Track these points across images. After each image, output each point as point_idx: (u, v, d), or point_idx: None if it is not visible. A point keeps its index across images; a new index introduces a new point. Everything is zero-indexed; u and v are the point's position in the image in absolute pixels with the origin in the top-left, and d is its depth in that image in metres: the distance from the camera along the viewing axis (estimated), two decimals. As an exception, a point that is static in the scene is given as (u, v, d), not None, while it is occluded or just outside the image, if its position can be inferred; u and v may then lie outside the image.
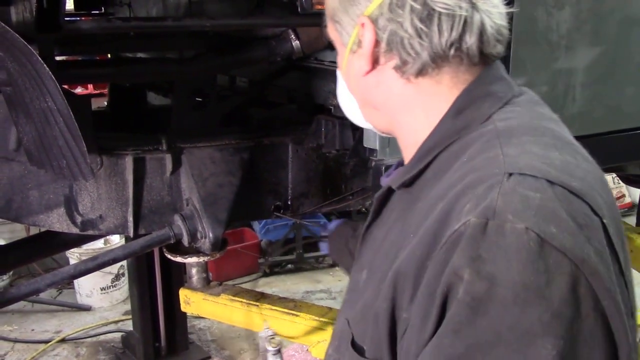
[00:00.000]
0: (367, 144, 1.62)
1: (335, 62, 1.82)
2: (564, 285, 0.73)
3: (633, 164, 2.66)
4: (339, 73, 1.11)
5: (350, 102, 1.11)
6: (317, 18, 1.64)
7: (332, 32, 1.03)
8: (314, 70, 1.92)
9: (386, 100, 0.98)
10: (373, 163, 1.61)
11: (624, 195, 5.84)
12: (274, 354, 1.22)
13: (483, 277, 0.74)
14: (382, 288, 0.89)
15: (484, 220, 0.75)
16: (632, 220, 3.32)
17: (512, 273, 0.73)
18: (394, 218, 1.00)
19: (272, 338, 1.22)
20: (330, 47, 1.82)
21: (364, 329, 0.94)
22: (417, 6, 0.88)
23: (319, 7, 1.52)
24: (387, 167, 1.56)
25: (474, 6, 0.89)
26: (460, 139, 0.91)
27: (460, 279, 0.75)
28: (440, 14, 0.88)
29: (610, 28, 1.83)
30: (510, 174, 0.79)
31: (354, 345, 0.96)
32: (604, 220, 0.80)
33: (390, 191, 1.02)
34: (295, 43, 1.82)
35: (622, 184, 5.59)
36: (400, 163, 1.08)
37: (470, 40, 0.90)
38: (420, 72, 0.92)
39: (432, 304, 0.78)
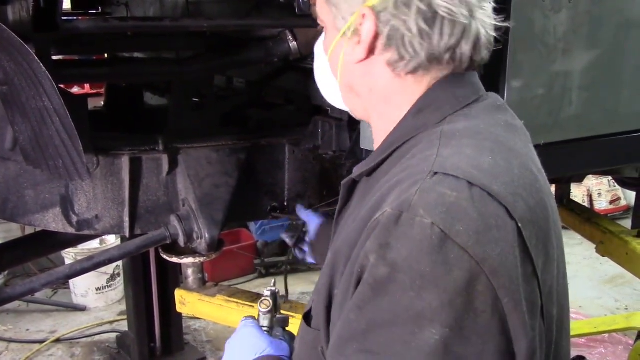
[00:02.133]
0: (363, 145, 1.62)
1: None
2: (461, 279, 0.78)
3: (629, 167, 2.67)
4: (319, 51, 1.15)
5: (329, 82, 1.13)
6: (315, 19, 1.65)
7: (323, 12, 1.03)
8: (312, 71, 1.91)
9: (370, 89, 1.01)
10: (370, 164, 1.60)
11: (619, 198, 5.85)
12: (264, 314, 1.26)
13: (387, 263, 0.81)
14: (326, 271, 0.98)
15: (399, 212, 0.82)
16: (627, 223, 3.33)
17: (412, 261, 0.79)
18: (353, 206, 1.07)
19: (265, 300, 1.26)
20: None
21: (317, 307, 1.01)
22: (423, 7, 0.91)
23: (317, 8, 1.52)
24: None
25: (472, 15, 0.93)
26: (415, 137, 0.96)
27: (368, 262, 0.83)
28: (443, 18, 0.91)
29: (607, 31, 1.83)
30: (435, 173, 0.85)
31: (307, 317, 1.04)
32: (519, 224, 0.84)
33: (355, 180, 1.08)
34: (293, 44, 1.82)
35: (617, 186, 5.61)
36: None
37: (466, 47, 0.94)
38: (413, 71, 0.96)
39: (350, 281, 0.87)
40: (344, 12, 0.98)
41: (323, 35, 1.09)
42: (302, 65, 1.94)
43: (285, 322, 1.28)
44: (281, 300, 1.36)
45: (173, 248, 1.82)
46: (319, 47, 1.16)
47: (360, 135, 1.63)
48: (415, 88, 0.97)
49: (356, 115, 1.11)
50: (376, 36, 0.95)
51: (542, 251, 0.89)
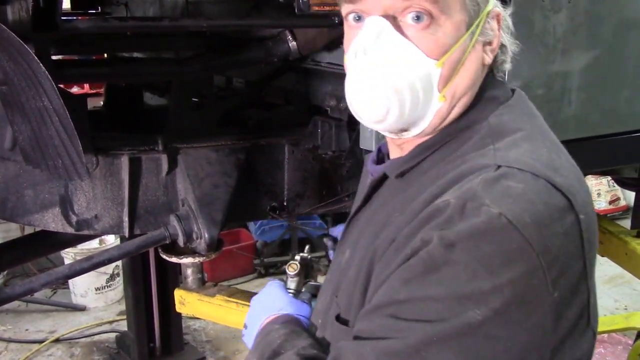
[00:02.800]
0: (363, 145, 1.62)
1: (332, 64, 1.83)
2: (519, 271, 0.79)
3: (628, 167, 2.67)
4: (399, 55, 0.92)
5: (418, 94, 0.93)
6: (314, 19, 1.65)
7: (451, 6, 0.90)
8: (311, 71, 1.92)
9: (467, 94, 0.97)
10: (369, 164, 1.60)
11: (619, 199, 5.85)
12: (291, 277, 1.32)
13: (443, 243, 0.81)
14: (364, 265, 0.97)
15: (463, 202, 0.82)
16: (627, 223, 3.33)
17: (470, 246, 0.80)
18: (380, 203, 1.06)
19: (292, 263, 1.32)
20: (327, 48, 1.83)
21: (349, 303, 1.00)
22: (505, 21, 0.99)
23: (316, 8, 1.52)
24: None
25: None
26: (458, 138, 0.96)
27: (425, 244, 0.83)
28: (508, 28, 1.01)
29: (606, 31, 1.84)
30: (499, 166, 0.86)
31: (339, 318, 1.03)
32: (580, 217, 0.85)
33: (382, 179, 1.06)
34: (292, 44, 1.82)
35: (617, 187, 5.61)
36: (383, 151, 1.13)
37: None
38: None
39: (394, 259, 0.88)
40: (475, 10, 0.93)
41: (397, 37, 0.91)
42: (302, 65, 1.94)
43: (316, 289, 1.30)
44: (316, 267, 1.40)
45: (172, 248, 1.82)
46: (401, 50, 0.92)
47: (360, 135, 1.63)
48: None
49: (415, 131, 0.97)
50: (500, 39, 0.99)
51: (594, 244, 0.90)
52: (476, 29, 0.93)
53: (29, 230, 3.62)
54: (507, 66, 1.03)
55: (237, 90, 2.33)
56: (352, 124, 1.77)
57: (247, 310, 1.82)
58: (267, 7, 1.87)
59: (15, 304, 4.28)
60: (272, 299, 1.24)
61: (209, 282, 2.00)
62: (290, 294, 1.27)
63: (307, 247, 1.42)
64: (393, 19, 0.91)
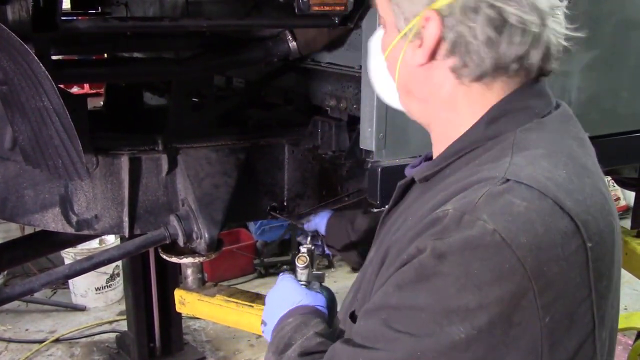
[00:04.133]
0: (363, 145, 1.62)
1: (332, 64, 1.83)
2: (508, 291, 0.78)
3: (628, 167, 2.67)
4: (374, 48, 1.11)
5: (384, 81, 1.09)
6: (314, 19, 1.65)
7: (384, 9, 0.99)
8: (311, 71, 1.92)
9: (431, 94, 0.97)
10: (369, 164, 1.61)
11: (619, 199, 5.85)
12: (301, 269, 1.35)
13: (436, 254, 0.81)
14: (377, 264, 0.99)
15: (461, 213, 0.81)
16: (627, 223, 3.33)
17: (462, 260, 0.79)
18: (405, 206, 1.07)
19: (302, 256, 1.36)
20: (327, 48, 1.83)
21: (365, 301, 1.00)
22: (493, 14, 0.87)
23: (316, 8, 1.52)
24: (384, 169, 1.57)
25: (544, 23, 0.89)
26: (485, 146, 0.93)
27: (419, 252, 0.83)
28: (512, 26, 0.87)
29: (606, 32, 1.84)
30: (507, 180, 0.83)
31: (352, 316, 1.04)
32: (588, 245, 0.82)
33: (412, 182, 1.07)
34: (292, 44, 1.81)
35: (617, 187, 5.61)
36: (428, 157, 1.11)
37: (535, 57, 0.91)
38: (477, 78, 0.92)
39: (394, 262, 0.89)
40: (407, 13, 0.94)
41: (380, 31, 1.06)
42: (302, 65, 1.94)
43: (321, 277, 1.37)
44: (318, 257, 1.42)
45: (172, 248, 1.82)
46: (374, 44, 1.11)
47: (360, 135, 1.63)
48: (484, 96, 0.94)
49: (413, 117, 1.07)
50: (439, 41, 0.91)
51: (605, 274, 0.86)
52: (410, 31, 0.94)
53: (29, 230, 3.62)
54: (474, 70, 0.92)
55: (237, 90, 2.33)
56: (352, 124, 1.77)
57: (247, 310, 1.83)
58: (267, 7, 1.87)
59: (15, 304, 4.28)
60: (288, 293, 1.26)
61: (209, 282, 2.00)
62: (303, 286, 1.30)
63: (308, 238, 1.44)
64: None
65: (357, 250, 1.73)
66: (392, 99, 1.10)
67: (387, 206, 1.16)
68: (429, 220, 0.85)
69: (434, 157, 1.03)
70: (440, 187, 0.94)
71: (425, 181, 1.01)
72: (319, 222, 1.86)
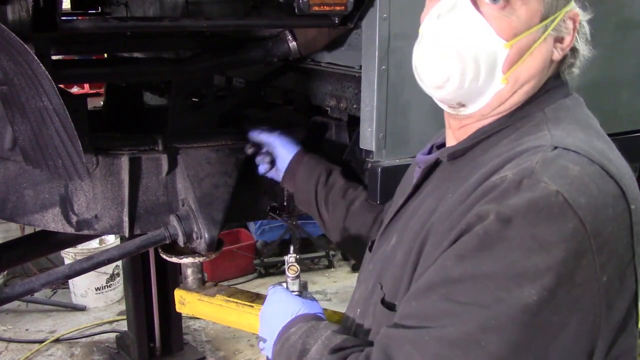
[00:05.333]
0: (363, 145, 1.62)
1: (332, 64, 1.83)
2: (572, 250, 0.80)
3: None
4: (473, 25, 0.95)
5: (473, 61, 0.96)
6: (314, 19, 1.65)
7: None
8: (311, 71, 1.92)
9: (529, 84, 1.00)
10: (369, 164, 1.61)
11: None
12: (292, 280, 1.30)
13: (500, 219, 0.81)
14: (415, 246, 0.97)
15: (520, 178, 0.83)
16: None
17: (527, 223, 0.80)
18: (430, 189, 1.07)
19: (292, 265, 1.31)
20: (327, 48, 1.83)
21: (396, 287, 1.01)
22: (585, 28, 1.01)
23: (316, 8, 1.52)
24: (384, 169, 1.57)
25: None
26: (512, 126, 0.98)
27: (481, 219, 0.83)
28: (585, 35, 1.02)
29: (606, 32, 1.83)
30: (556, 147, 0.87)
31: (384, 302, 1.03)
32: (632, 207, 0.86)
33: (433, 167, 1.08)
34: (292, 44, 1.82)
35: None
36: (437, 145, 1.14)
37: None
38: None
39: (447, 237, 0.88)
40: (553, 7, 0.97)
41: (475, 16, 0.95)
42: (302, 65, 1.94)
43: (305, 285, 1.32)
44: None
45: (172, 248, 1.81)
46: (466, 28, 0.96)
47: (360, 135, 1.63)
48: None
49: (472, 108, 1.00)
50: (573, 40, 0.99)
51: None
52: (551, 23, 0.96)
53: (29, 230, 3.62)
54: (576, 70, 1.04)
55: (237, 90, 2.33)
56: (352, 124, 1.77)
57: (247, 310, 1.83)
58: (267, 7, 1.87)
59: (15, 304, 4.29)
60: (284, 305, 1.21)
61: (209, 282, 2.00)
62: (297, 296, 1.26)
63: (291, 247, 1.40)
64: None
65: (318, 209, 1.65)
66: (481, 89, 0.98)
67: (404, 195, 1.14)
68: (483, 189, 0.86)
69: (460, 140, 1.04)
70: (476, 164, 0.95)
71: (453, 159, 1.03)
72: (281, 152, 1.74)
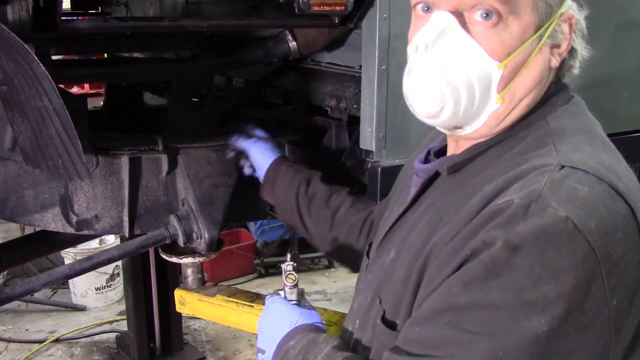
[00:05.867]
0: (363, 145, 1.62)
1: (332, 64, 1.83)
2: (582, 278, 0.77)
3: (628, 167, 2.67)
4: (459, 48, 0.92)
5: (467, 87, 0.92)
6: (314, 19, 1.65)
7: (522, 5, 0.90)
8: (311, 71, 1.92)
9: (526, 95, 0.96)
10: (369, 164, 1.61)
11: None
12: (290, 288, 1.27)
13: (508, 247, 0.78)
14: (416, 264, 0.94)
15: (528, 202, 0.80)
16: None
17: (536, 250, 0.77)
18: (430, 202, 1.03)
19: (290, 274, 1.27)
20: (327, 48, 1.83)
21: (397, 304, 0.98)
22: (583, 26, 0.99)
23: (316, 8, 1.52)
24: (384, 169, 1.56)
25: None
26: (514, 136, 0.95)
27: (487, 246, 0.80)
28: (583, 36, 1.00)
29: (606, 31, 1.83)
30: (563, 166, 0.84)
31: (384, 320, 1.00)
32: None
33: (433, 178, 1.04)
34: (292, 44, 1.82)
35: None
36: (433, 151, 1.10)
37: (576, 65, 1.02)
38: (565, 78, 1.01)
39: (451, 260, 0.85)
40: (547, 14, 0.92)
41: (464, 38, 0.91)
42: (302, 65, 1.94)
43: (303, 293, 1.29)
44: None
45: (172, 248, 1.81)
46: (455, 51, 0.92)
47: (360, 135, 1.63)
48: None
49: (469, 130, 0.97)
50: (570, 43, 0.96)
51: None
52: (545, 31, 0.92)
53: (29, 230, 3.62)
54: (575, 71, 1.00)
55: (237, 90, 2.33)
56: (352, 124, 1.77)
57: (247, 310, 1.83)
58: (267, 7, 1.87)
59: (15, 304, 4.29)
60: (282, 315, 1.18)
61: (209, 282, 2.00)
62: (295, 305, 1.23)
63: (288, 255, 1.37)
64: (460, 15, 0.91)
65: (302, 220, 1.61)
66: (476, 112, 0.94)
67: (402, 206, 1.11)
68: (489, 212, 0.83)
69: (460, 150, 1.01)
70: (479, 179, 0.92)
71: (453, 172, 0.99)
72: (258, 160, 1.70)
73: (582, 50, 0.99)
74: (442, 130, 1.03)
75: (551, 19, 0.92)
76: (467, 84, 0.91)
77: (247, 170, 1.78)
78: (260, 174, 1.71)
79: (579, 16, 0.97)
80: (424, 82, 0.93)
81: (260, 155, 1.71)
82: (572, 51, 0.98)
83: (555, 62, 0.96)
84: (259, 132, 1.76)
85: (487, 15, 0.89)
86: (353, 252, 1.50)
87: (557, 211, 0.78)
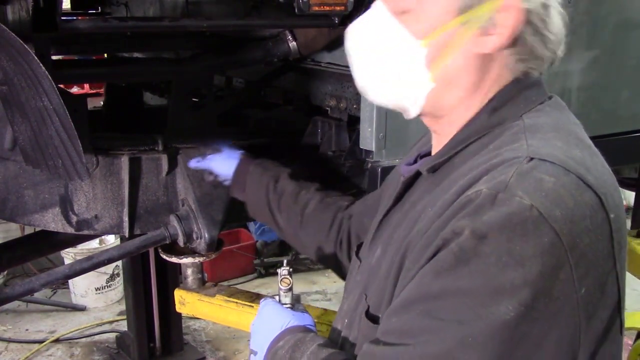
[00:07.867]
0: (363, 145, 1.62)
1: (332, 64, 1.83)
2: (549, 264, 0.79)
3: (628, 167, 2.67)
4: (377, 37, 1.01)
5: (391, 72, 1.01)
6: (314, 19, 1.65)
7: None
8: (311, 71, 1.92)
9: (475, 84, 0.98)
10: (369, 164, 1.61)
11: (619, 198, 5.84)
12: (285, 292, 1.28)
13: (475, 235, 0.81)
14: (396, 259, 0.97)
15: (495, 192, 0.82)
16: (627, 223, 3.33)
17: (502, 238, 0.80)
18: (412, 200, 1.06)
19: (285, 278, 1.29)
20: (327, 48, 1.83)
21: (380, 299, 1.00)
22: (558, 15, 0.96)
23: (316, 8, 1.52)
24: (384, 169, 1.57)
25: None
26: (491, 133, 0.97)
27: (456, 235, 0.83)
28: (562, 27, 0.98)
29: (606, 31, 1.84)
30: (531, 159, 0.86)
31: (368, 314, 1.02)
32: (611, 216, 0.85)
33: (414, 178, 1.07)
34: (292, 44, 1.82)
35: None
36: (422, 154, 1.13)
37: (558, 60, 1.00)
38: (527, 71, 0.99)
39: (425, 251, 0.88)
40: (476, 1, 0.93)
41: (390, 21, 0.98)
42: (302, 65, 1.94)
43: (298, 299, 1.31)
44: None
45: (172, 248, 1.82)
46: (381, 33, 1.00)
47: (360, 135, 1.63)
48: (493, 86, 0.99)
49: (412, 112, 1.03)
50: (513, 33, 0.93)
51: (623, 246, 0.90)
52: (471, 17, 0.93)
53: (29, 230, 3.62)
54: (544, 66, 0.99)
55: (237, 90, 2.33)
56: (352, 124, 1.77)
57: (247, 310, 1.83)
58: (267, 7, 1.87)
59: (15, 304, 4.29)
60: (273, 318, 1.20)
61: (209, 282, 2.00)
62: (288, 309, 1.24)
63: (284, 260, 1.39)
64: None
65: (274, 218, 1.62)
66: (411, 93, 1.00)
67: (387, 205, 1.14)
68: (459, 203, 0.86)
69: (438, 150, 1.04)
70: (455, 175, 0.95)
71: (433, 172, 1.02)
72: (223, 170, 1.71)
73: (547, 46, 0.97)
74: (406, 114, 1.06)
75: (482, 6, 0.93)
76: (392, 65, 1.00)
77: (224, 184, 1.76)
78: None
79: (532, 6, 0.93)
80: (354, 67, 1.08)
81: (222, 166, 1.72)
82: (522, 43, 0.95)
83: (487, 50, 0.94)
84: (212, 147, 1.77)
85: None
86: (323, 250, 1.52)
87: (523, 200, 0.80)
